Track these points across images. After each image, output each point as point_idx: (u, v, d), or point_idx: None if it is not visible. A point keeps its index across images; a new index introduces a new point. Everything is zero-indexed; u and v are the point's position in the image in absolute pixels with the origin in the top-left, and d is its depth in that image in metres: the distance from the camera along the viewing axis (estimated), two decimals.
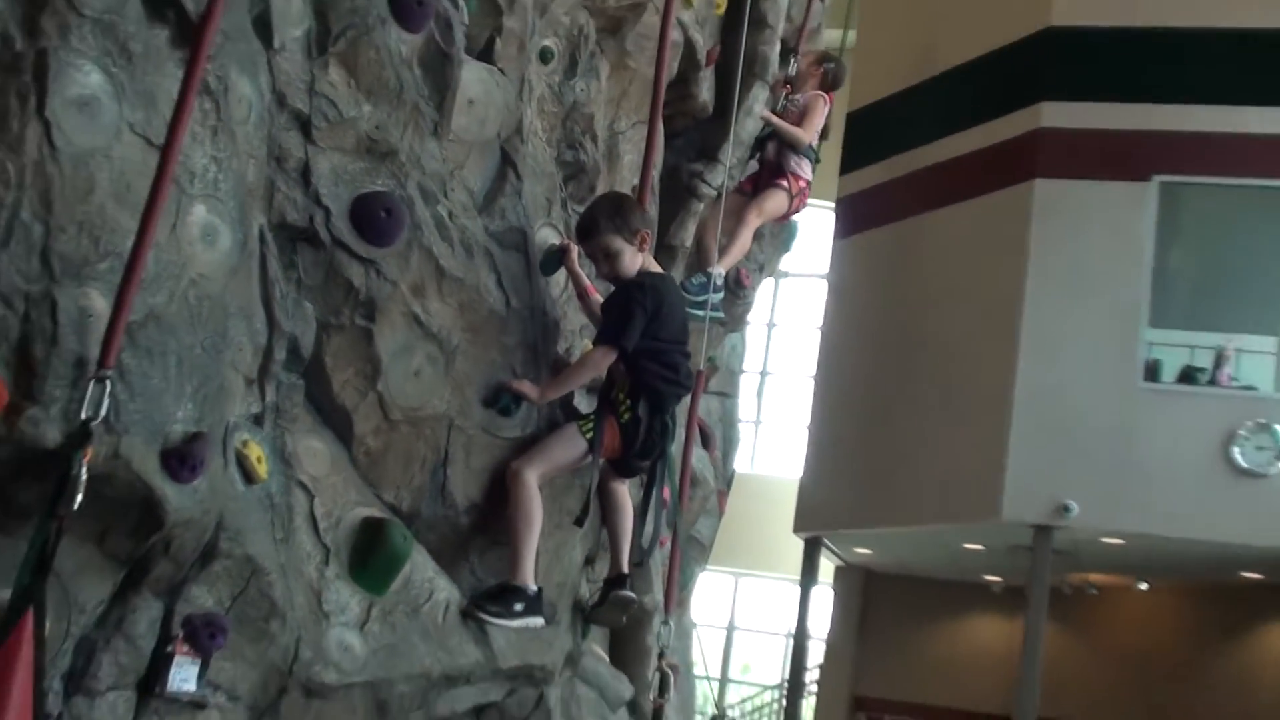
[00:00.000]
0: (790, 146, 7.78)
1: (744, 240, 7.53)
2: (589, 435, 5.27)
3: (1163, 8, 13.99)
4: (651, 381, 5.33)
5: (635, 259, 5.40)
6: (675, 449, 5.83)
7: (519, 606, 5.11)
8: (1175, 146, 13.75)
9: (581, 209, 6.01)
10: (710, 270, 7.10)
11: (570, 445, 5.27)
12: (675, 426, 5.59)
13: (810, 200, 8.28)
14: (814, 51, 8.61)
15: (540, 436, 5.31)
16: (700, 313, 6.79)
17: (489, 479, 5.14)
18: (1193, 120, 13.74)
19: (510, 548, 5.16)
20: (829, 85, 8.23)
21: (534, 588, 5.15)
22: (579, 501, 5.34)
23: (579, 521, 5.38)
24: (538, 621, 5.21)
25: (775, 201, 7.74)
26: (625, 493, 5.75)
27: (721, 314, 7.57)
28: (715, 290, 7.06)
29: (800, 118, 7.88)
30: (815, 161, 7.98)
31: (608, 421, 5.33)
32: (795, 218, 8.92)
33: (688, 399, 6.17)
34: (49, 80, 3.72)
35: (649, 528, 5.61)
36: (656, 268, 5.60)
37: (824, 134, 8.27)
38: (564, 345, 5.63)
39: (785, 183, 7.75)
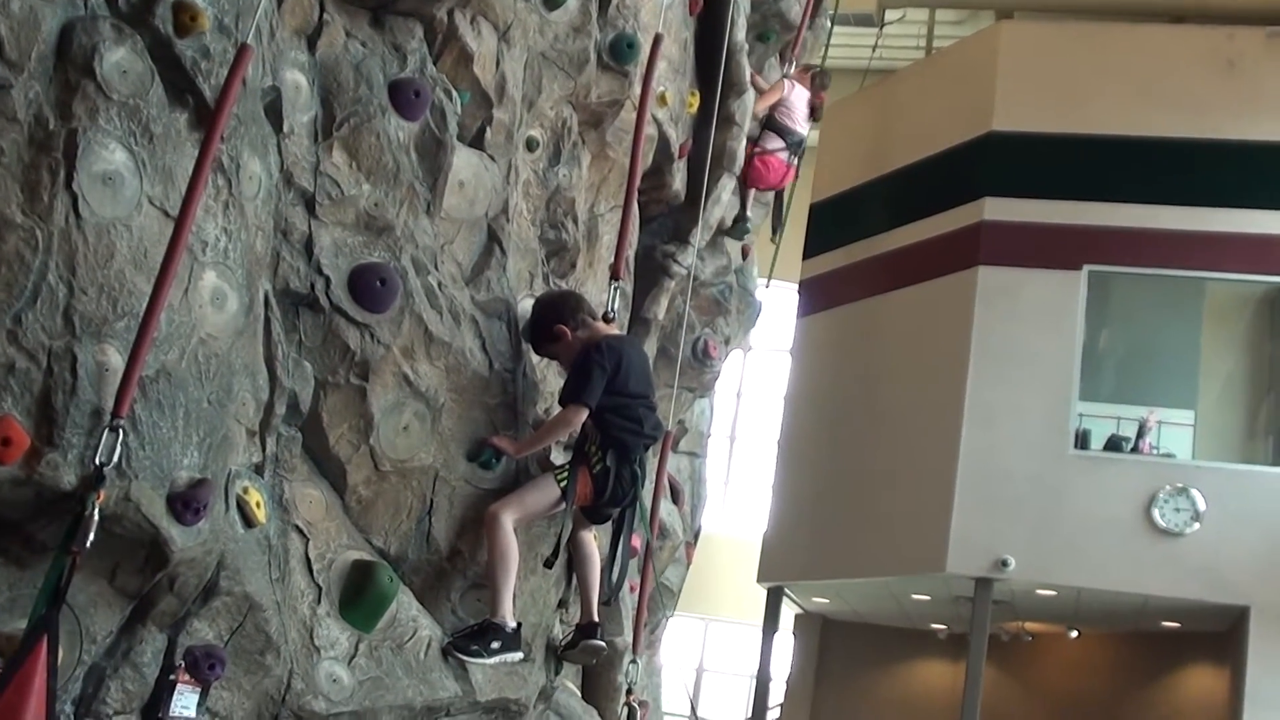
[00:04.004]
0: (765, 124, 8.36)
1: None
2: (563, 483, 5.23)
3: (1091, 118, 14.12)
4: (618, 434, 5.30)
5: (574, 345, 5.38)
6: (646, 496, 5.79)
7: (496, 644, 5.04)
8: (1103, 239, 13.84)
9: (561, 282, 6.02)
10: None
11: (545, 492, 5.23)
12: (644, 476, 5.56)
13: (775, 280, 8.47)
14: (808, 65, 9.14)
15: (518, 483, 5.26)
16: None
17: (470, 528, 5.09)
18: (1118, 217, 13.86)
19: (490, 587, 5.10)
20: (818, 85, 8.80)
21: (512, 624, 5.09)
22: (551, 548, 5.29)
23: (549, 563, 5.33)
24: (516, 655, 5.14)
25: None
26: (593, 543, 5.69)
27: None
28: None
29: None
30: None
31: (581, 471, 5.29)
32: (759, 298, 8.99)
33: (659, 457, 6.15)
34: (77, 157, 3.72)
35: (616, 570, 5.55)
36: (612, 331, 5.56)
37: (814, 114, 8.79)
38: (543, 406, 5.59)
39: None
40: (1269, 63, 13.90)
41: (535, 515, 5.28)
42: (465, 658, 4.98)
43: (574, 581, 5.77)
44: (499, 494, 5.15)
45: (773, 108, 8.46)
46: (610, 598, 5.74)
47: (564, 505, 5.23)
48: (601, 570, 5.68)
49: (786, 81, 8.55)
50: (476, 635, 5.05)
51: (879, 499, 14.11)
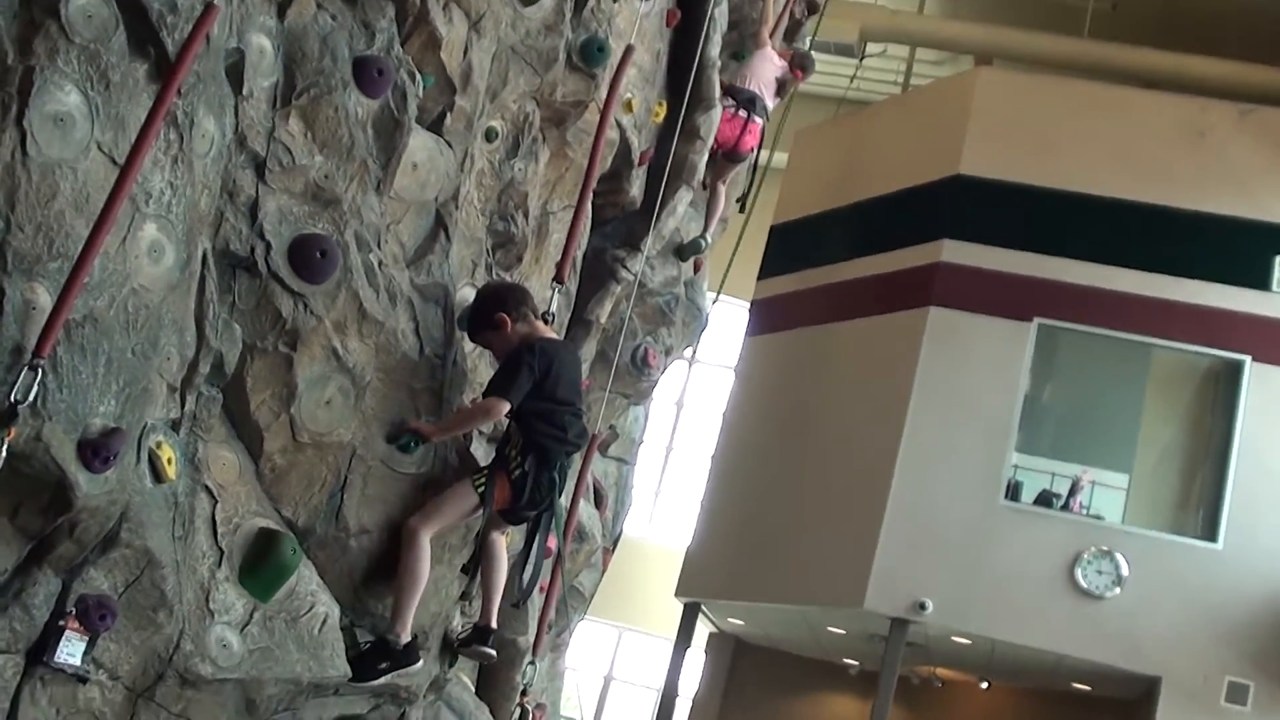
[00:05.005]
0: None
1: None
2: (480, 490, 5.29)
3: (1058, 172, 14.32)
4: (540, 440, 5.36)
5: (510, 337, 5.44)
6: (565, 501, 5.86)
7: (384, 665, 5.14)
8: (1056, 294, 14.03)
9: (506, 275, 6.09)
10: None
11: (464, 500, 5.28)
12: (564, 482, 5.61)
13: (726, 297, 8.63)
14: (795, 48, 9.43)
15: (434, 479, 5.32)
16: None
17: (381, 508, 5.16)
18: (1074, 273, 14.06)
19: (394, 600, 5.18)
20: (795, 62, 9.02)
21: (406, 639, 5.17)
22: (461, 539, 5.36)
23: (465, 569, 5.44)
24: (409, 672, 5.24)
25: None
26: (503, 546, 5.75)
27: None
28: None
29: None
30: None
31: (499, 476, 5.34)
32: (706, 312, 9.11)
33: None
34: (31, 94, 3.78)
35: (529, 572, 5.63)
36: (549, 334, 5.62)
37: (780, 91, 9.03)
38: (470, 396, 5.66)
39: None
40: (1239, 139, 14.15)
41: (455, 524, 5.37)
42: (355, 681, 5.07)
43: (479, 578, 5.84)
44: (412, 479, 5.22)
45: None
46: (519, 601, 5.82)
47: (482, 511, 5.30)
48: (512, 572, 5.75)
49: (763, 49, 8.78)
50: (370, 656, 5.14)
51: (805, 527, 14.22)
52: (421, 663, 5.30)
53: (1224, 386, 14.07)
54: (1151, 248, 14.05)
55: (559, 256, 6.19)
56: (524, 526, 5.68)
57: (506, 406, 5.26)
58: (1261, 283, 13.79)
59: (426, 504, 5.25)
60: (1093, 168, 14.26)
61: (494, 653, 5.80)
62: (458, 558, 5.58)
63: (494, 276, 6.03)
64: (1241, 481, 13.35)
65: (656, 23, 7.07)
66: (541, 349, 5.37)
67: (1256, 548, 13.06)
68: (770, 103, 8.91)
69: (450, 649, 5.94)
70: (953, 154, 14.67)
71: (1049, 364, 14.52)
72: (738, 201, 9.66)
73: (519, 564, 5.68)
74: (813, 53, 9.79)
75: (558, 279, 5.92)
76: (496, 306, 5.49)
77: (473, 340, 5.63)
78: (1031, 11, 17.35)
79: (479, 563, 5.68)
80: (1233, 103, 14.47)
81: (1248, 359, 13.68)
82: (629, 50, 6.28)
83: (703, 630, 17.08)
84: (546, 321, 5.70)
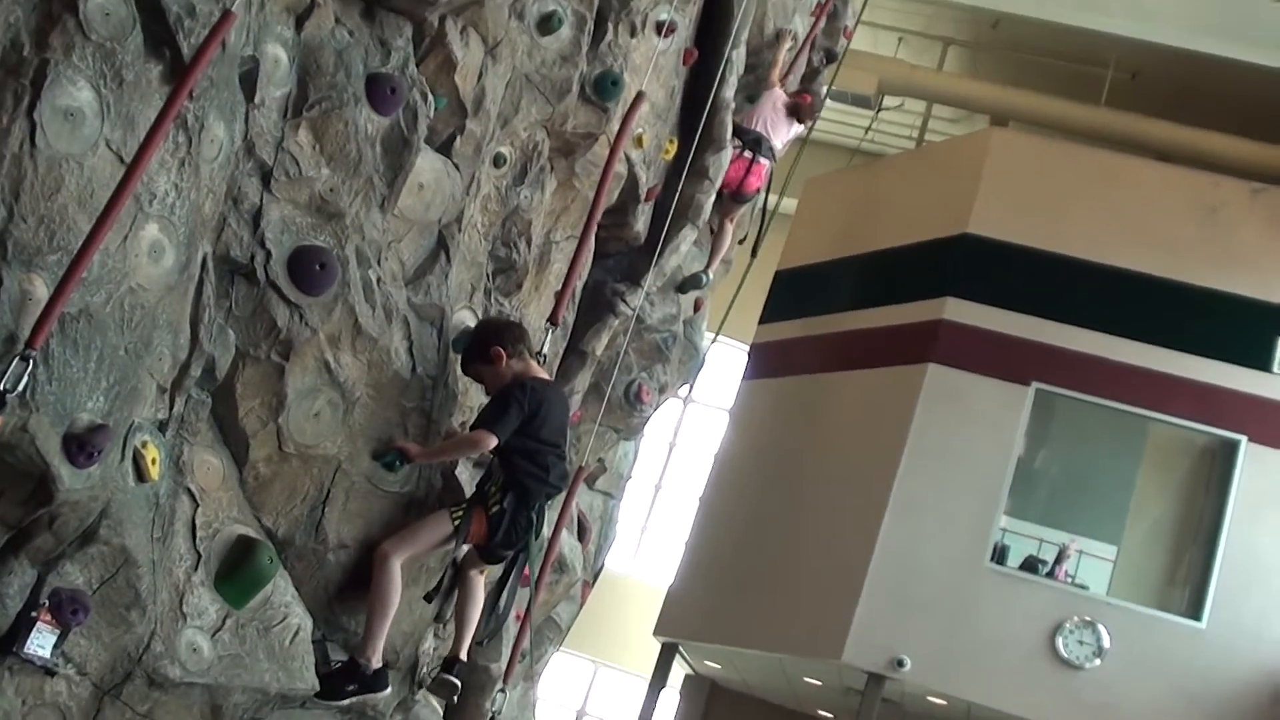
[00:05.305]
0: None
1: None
2: (457, 522, 5.31)
3: (1065, 238, 14.37)
4: (522, 478, 5.38)
5: (504, 372, 5.46)
6: (545, 535, 5.86)
7: (351, 687, 5.15)
8: (1056, 360, 14.05)
9: (505, 300, 6.13)
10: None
11: (438, 530, 5.30)
12: (541, 523, 5.61)
13: (725, 339, 8.68)
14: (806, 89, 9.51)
15: (418, 499, 5.34)
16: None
17: (361, 524, 5.18)
18: (1075, 340, 14.08)
19: (366, 625, 5.20)
20: (803, 111, 9.07)
21: (377, 664, 5.17)
22: (440, 562, 5.38)
23: (428, 598, 5.47)
24: (377, 697, 5.25)
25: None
26: (480, 583, 5.76)
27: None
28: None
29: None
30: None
31: (476, 511, 5.36)
32: (703, 352, 9.16)
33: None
34: (44, 87, 3.83)
35: (500, 608, 5.63)
36: (541, 374, 5.64)
37: (801, 116, 9.12)
38: (459, 419, 5.69)
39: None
40: (1249, 218, 14.22)
41: (427, 552, 5.38)
42: (323, 699, 5.09)
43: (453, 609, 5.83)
44: (395, 498, 5.24)
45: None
46: (486, 639, 5.82)
47: (454, 543, 5.32)
48: (487, 611, 5.75)
49: (771, 90, 8.88)
50: (339, 676, 5.15)
51: (789, 575, 14.19)
52: (390, 690, 5.31)
53: (1218, 465, 14.06)
54: (1154, 320, 14.08)
55: (559, 287, 6.22)
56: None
57: (493, 441, 5.27)
58: (1262, 363, 13.81)
59: (401, 529, 5.27)
60: (1101, 236, 14.31)
61: (459, 682, 5.79)
62: (434, 579, 5.59)
63: (493, 301, 6.07)
64: (1229, 561, 13.33)
65: (673, 60, 7.13)
66: (532, 388, 5.39)
67: (1240, 629, 13.04)
68: (779, 144, 8.98)
69: (416, 668, 5.94)
70: (962, 212, 14.73)
71: (1045, 429, 14.55)
72: (747, 245, 9.72)
73: (489, 604, 5.69)
74: (829, 100, 9.88)
75: (553, 320, 5.95)
76: (494, 340, 5.51)
77: (465, 371, 5.65)
78: (1050, 76, 17.45)
79: (442, 590, 5.69)
80: (1245, 181, 14.54)
81: (1244, 439, 13.69)
82: (640, 96, 6.33)
83: (679, 671, 17.04)
84: (539, 361, 5.73)
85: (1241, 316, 13.99)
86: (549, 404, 5.44)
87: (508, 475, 5.39)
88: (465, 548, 5.49)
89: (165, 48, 4.12)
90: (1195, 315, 14.08)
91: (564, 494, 6.47)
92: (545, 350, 5.86)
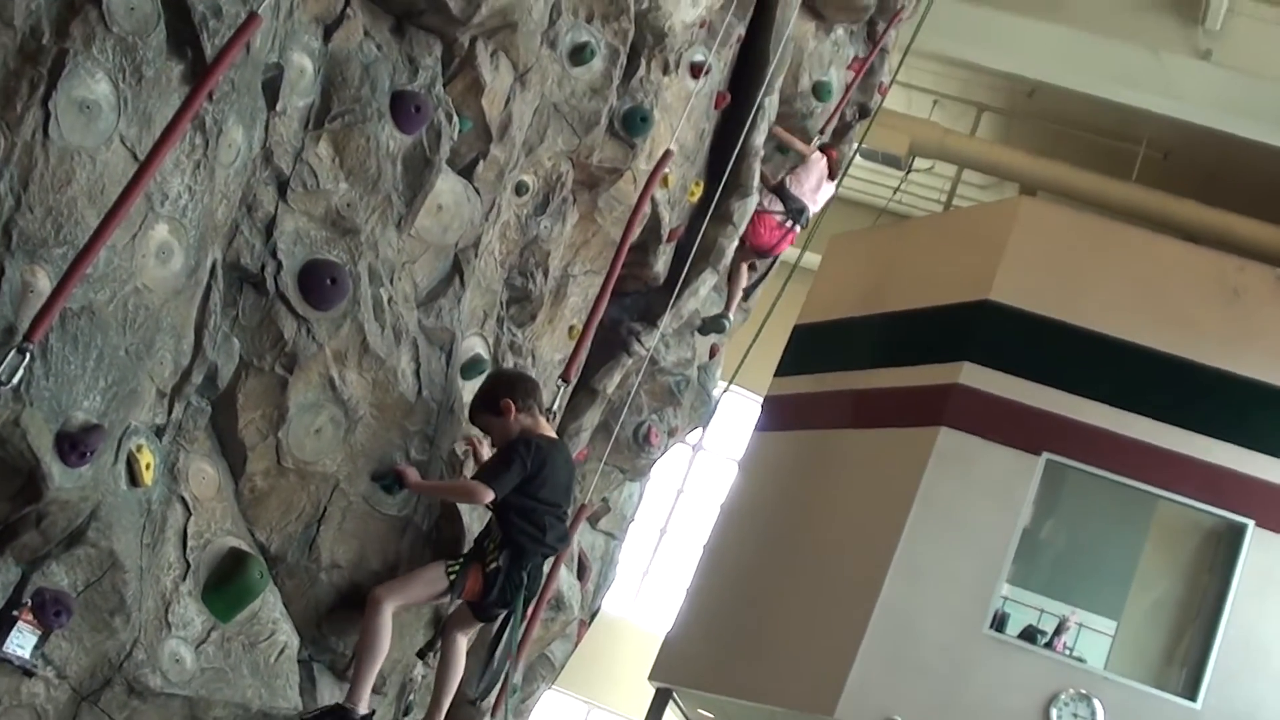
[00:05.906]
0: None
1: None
2: (452, 577, 5.16)
3: (1086, 311, 14.22)
4: (518, 537, 5.22)
5: (511, 426, 5.31)
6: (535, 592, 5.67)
7: None
8: (1068, 432, 13.88)
9: (517, 330, 6.01)
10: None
11: (433, 583, 5.16)
12: (534, 584, 5.46)
13: (739, 388, 8.65)
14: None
15: (414, 524, 5.20)
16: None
17: (356, 545, 5.05)
18: (1089, 414, 13.90)
19: (354, 670, 5.04)
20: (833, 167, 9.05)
21: (364, 711, 5.00)
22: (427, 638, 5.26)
23: (421, 655, 5.39)
24: None
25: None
26: (462, 650, 5.58)
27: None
28: None
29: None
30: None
31: (474, 567, 5.22)
32: (716, 399, 9.05)
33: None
34: (61, 77, 3.74)
35: (490, 672, 5.46)
36: (549, 432, 5.48)
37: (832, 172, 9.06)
38: (461, 447, 5.55)
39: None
40: (1272, 303, 14.06)
41: (419, 603, 5.25)
42: None
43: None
44: (391, 521, 5.11)
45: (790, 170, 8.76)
46: (478, 699, 5.66)
47: (449, 597, 5.19)
48: (478, 665, 5.58)
49: (816, 161, 8.84)
50: (326, 718, 4.98)
51: (788, 628, 14.02)
52: None
53: (1224, 547, 13.88)
54: (1169, 398, 13.92)
55: (574, 320, 6.11)
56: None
57: (490, 496, 5.12)
58: (1274, 449, 13.65)
59: (396, 577, 5.14)
60: (1122, 311, 14.18)
61: None
62: (425, 609, 5.44)
63: (505, 330, 5.96)
64: (1229, 644, 13.12)
65: (705, 102, 7.04)
66: (538, 446, 5.24)
67: (1234, 712, 12.82)
68: (814, 209, 8.94)
69: (403, 695, 5.79)
70: (985, 279, 14.59)
71: (1052, 500, 14.37)
72: (769, 296, 9.63)
73: (482, 663, 5.51)
74: (859, 158, 9.85)
75: (564, 377, 5.81)
76: (505, 392, 5.37)
77: (472, 421, 5.50)
78: (1082, 149, 17.37)
79: (434, 648, 5.54)
80: (1270, 266, 14.41)
81: (1251, 523, 13.50)
82: (667, 154, 6.19)
83: (671, 717, 16.84)
84: (549, 418, 5.58)
85: (1258, 401, 13.82)
86: (552, 464, 5.27)
87: (504, 533, 5.24)
88: (458, 602, 5.33)
89: (188, 47, 4.04)
90: (1211, 396, 13.92)
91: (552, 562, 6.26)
92: (555, 408, 5.71)
